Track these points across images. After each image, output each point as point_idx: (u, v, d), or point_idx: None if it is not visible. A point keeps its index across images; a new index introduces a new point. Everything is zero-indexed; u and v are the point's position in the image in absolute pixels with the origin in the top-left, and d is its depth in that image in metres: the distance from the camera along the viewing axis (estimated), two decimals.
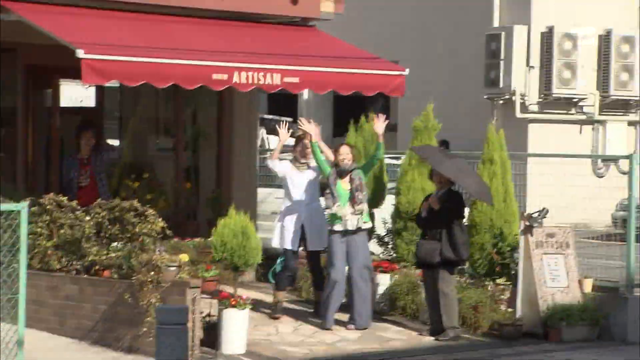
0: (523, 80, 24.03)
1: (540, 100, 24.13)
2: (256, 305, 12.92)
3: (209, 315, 11.68)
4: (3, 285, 9.39)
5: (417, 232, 13.06)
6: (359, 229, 12.47)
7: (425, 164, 13.33)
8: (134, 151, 15.14)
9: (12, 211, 9.20)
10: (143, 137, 15.33)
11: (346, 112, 19.01)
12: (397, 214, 14.11)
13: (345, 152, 12.53)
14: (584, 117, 24.38)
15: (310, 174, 12.76)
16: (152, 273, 11.06)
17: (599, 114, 24.35)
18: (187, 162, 15.18)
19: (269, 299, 13.34)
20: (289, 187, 12.73)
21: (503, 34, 24.00)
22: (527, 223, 12.91)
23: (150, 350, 10.07)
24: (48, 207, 11.99)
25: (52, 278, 11.90)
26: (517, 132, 24.01)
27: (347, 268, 12.59)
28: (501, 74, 24.07)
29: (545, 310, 12.70)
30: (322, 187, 12.83)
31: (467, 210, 13.35)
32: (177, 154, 14.99)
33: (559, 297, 12.82)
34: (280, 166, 12.79)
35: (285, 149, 13.54)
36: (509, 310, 12.94)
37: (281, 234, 12.69)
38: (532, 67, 24.05)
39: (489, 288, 13.07)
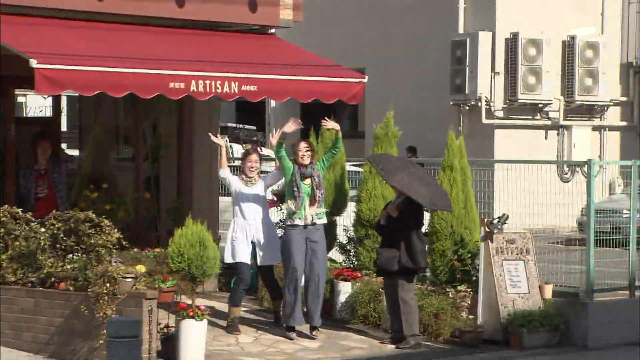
0: (488, 86, 24.11)
1: (506, 106, 24.22)
2: (217, 315, 12.84)
3: (167, 326, 11.57)
4: None
5: (379, 240, 13.00)
6: (316, 224, 12.40)
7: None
8: (93, 161, 15.00)
9: None
10: (103, 147, 15.19)
11: (313, 120, 18.99)
12: (358, 222, 14.06)
13: (304, 148, 12.46)
14: (549, 122, 24.48)
15: (258, 189, 12.65)
16: (108, 285, 10.95)
17: (564, 119, 24.46)
18: (147, 172, 15.06)
19: None
20: (238, 202, 12.59)
21: (468, 40, 24.09)
22: (487, 229, 12.88)
23: None
24: (2, 219, 11.86)
25: (7, 291, 11.76)
26: (483, 138, 24.11)
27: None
28: (467, 80, 24.15)
29: (506, 317, 12.67)
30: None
31: (427, 217, 13.30)
32: (137, 164, 14.89)
33: (520, 303, 12.78)
34: (230, 179, 12.65)
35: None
36: (470, 317, 12.89)
37: (232, 248, 12.55)
38: (498, 73, 24.14)
39: (450, 295, 13.02)
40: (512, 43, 23.96)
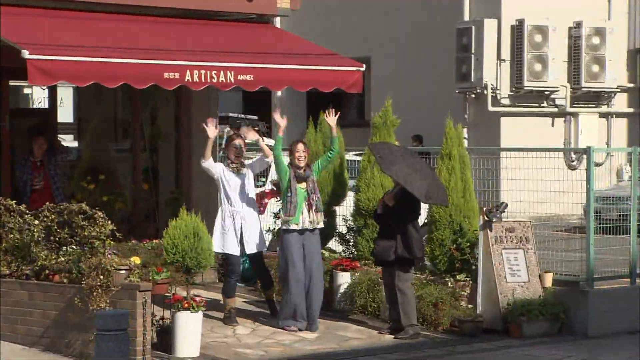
0: (494, 74, 23.93)
1: (512, 93, 24.04)
2: (216, 307, 12.76)
3: (162, 318, 11.49)
4: None
5: (378, 230, 12.88)
6: (314, 228, 12.30)
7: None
8: (92, 152, 14.91)
9: None
10: (102, 138, 15.10)
11: (320, 109, 18.87)
12: (357, 212, 13.95)
13: (301, 150, 12.34)
14: (555, 109, 24.30)
15: (245, 175, 12.52)
16: (102, 277, 10.86)
17: (571, 106, 24.26)
18: (146, 163, 14.97)
19: None
20: (225, 190, 12.45)
21: (473, 27, 23.90)
22: (486, 218, 12.76)
23: None
24: None
25: (1, 284, 11.69)
26: (489, 126, 23.97)
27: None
28: (472, 68, 23.96)
29: (505, 306, 12.56)
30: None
31: (426, 207, 13.19)
32: (135, 155, 14.80)
33: (519, 292, 12.67)
34: (215, 168, 12.49)
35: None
36: (470, 306, 12.79)
37: (221, 238, 12.41)
38: (503, 60, 23.96)
39: (450, 284, 12.92)
40: (517, 30, 23.78)
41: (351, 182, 14.46)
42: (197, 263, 11.49)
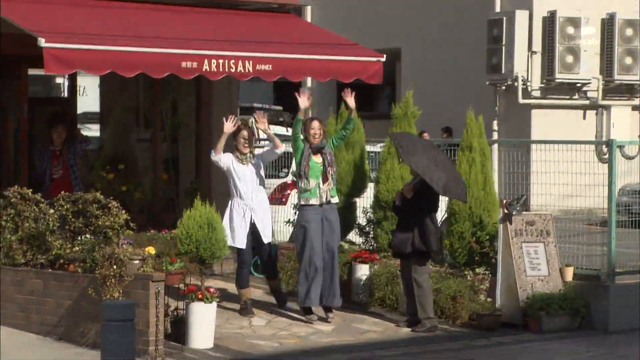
0: (525, 66, 23.70)
1: (543, 85, 23.79)
2: (232, 298, 12.69)
3: (176, 309, 11.43)
4: None
5: (396, 222, 12.76)
6: (331, 202, 12.23)
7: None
8: (114, 142, 14.88)
9: None
10: (123, 128, 15.07)
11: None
12: (377, 204, 13.82)
13: (316, 127, 12.26)
14: (587, 102, 24.01)
15: (254, 165, 12.40)
16: (115, 267, 10.82)
17: (603, 99, 23.96)
18: (166, 153, 14.91)
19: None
20: (234, 181, 12.35)
21: (505, 19, 23.68)
22: (506, 211, 12.59)
23: None
24: (12, 199, 11.78)
25: (16, 273, 11.69)
26: (519, 118, 23.75)
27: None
28: (503, 60, 23.73)
29: (524, 300, 12.38)
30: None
31: (445, 200, 13.03)
32: (155, 145, 14.74)
33: (539, 286, 12.49)
34: (224, 159, 12.39)
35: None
36: (488, 300, 12.62)
37: (231, 231, 12.28)
38: (535, 52, 23.72)
39: (469, 277, 12.76)
40: (549, 21, 23.53)
41: (374, 175, 14.34)
42: (211, 254, 11.43)
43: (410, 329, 12.20)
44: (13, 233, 11.74)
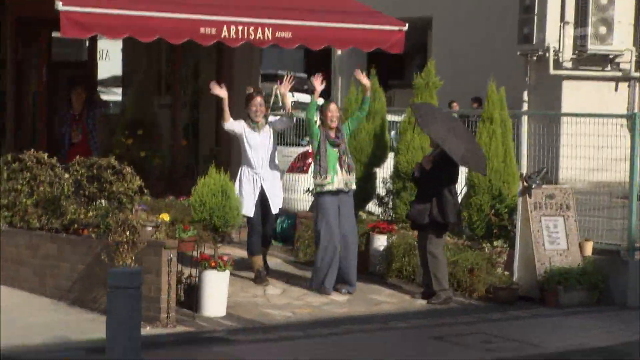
0: (557, 36, 23.38)
1: (575, 56, 23.45)
2: (249, 266, 12.62)
3: (190, 276, 11.39)
4: None
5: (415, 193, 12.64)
6: (349, 190, 12.11)
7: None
8: (136, 107, 14.81)
9: None
10: (144, 93, 14.99)
11: (381, 69, 18.63)
12: (396, 174, 13.70)
13: (333, 110, 12.13)
14: (619, 74, 23.66)
15: (266, 133, 12.30)
16: (128, 233, 10.77)
17: (635, 71, 23.60)
18: (186, 119, 14.83)
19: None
20: (245, 148, 12.25)
21: None
22: (525, 183, 12.43)
23: None
24: (28, 163, 11.77)
25: (31, 236, 11.69)
26: (550, 89, 23.45)
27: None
28: (535, 30, 23.43)
29: (542, 274, 12.25)
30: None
31: (465, 171, 12.89)
32: (175, 111, 14.67)
33: (558, 260, 12.34)
34: (237, 126, 12.26)
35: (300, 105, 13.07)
36: (506, 273, 12.49)
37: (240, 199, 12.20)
38: (567, 22, 23.36)
39: (486, 250, 12.63)
40: None
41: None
42: (225, 222, 11.34)
43: (425, 301, 12.10)
44: (28, 197, 11.73)
